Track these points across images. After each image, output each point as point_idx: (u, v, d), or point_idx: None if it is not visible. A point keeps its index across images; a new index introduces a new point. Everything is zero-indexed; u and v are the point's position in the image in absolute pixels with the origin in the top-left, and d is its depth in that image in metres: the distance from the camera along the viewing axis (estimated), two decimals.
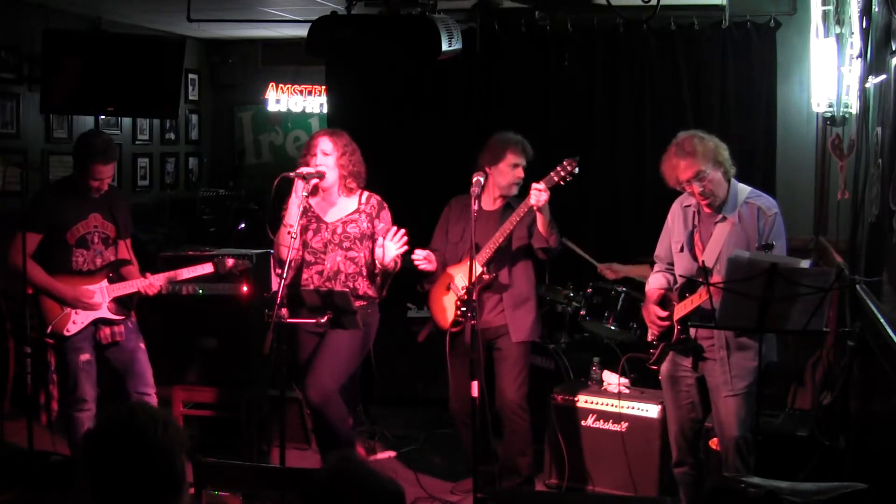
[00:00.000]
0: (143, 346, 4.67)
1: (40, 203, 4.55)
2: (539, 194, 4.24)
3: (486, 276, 4.45)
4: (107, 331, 4.54)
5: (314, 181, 4.33)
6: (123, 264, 4.63)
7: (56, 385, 4.65)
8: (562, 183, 4.30)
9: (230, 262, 4.63)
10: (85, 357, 4.47)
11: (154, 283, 4.55)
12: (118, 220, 4.61)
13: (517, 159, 4.55)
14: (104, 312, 4.51)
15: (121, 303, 4.57)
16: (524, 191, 4.67)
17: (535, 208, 4.28)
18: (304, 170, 4.33)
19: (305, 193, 4.27)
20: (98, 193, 4.49)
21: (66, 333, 4.43)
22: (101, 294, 4.50)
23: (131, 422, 2.02)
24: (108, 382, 4.77)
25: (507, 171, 4.55)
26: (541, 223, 4.39)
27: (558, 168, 4.30)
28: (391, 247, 4.26)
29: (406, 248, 4.32)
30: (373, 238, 4.44)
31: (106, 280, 4.53)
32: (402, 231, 4.29)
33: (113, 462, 1.99)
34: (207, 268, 4.62)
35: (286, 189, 4.39)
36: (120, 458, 1.99)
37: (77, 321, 4.45)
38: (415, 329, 6.07)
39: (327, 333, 4.33)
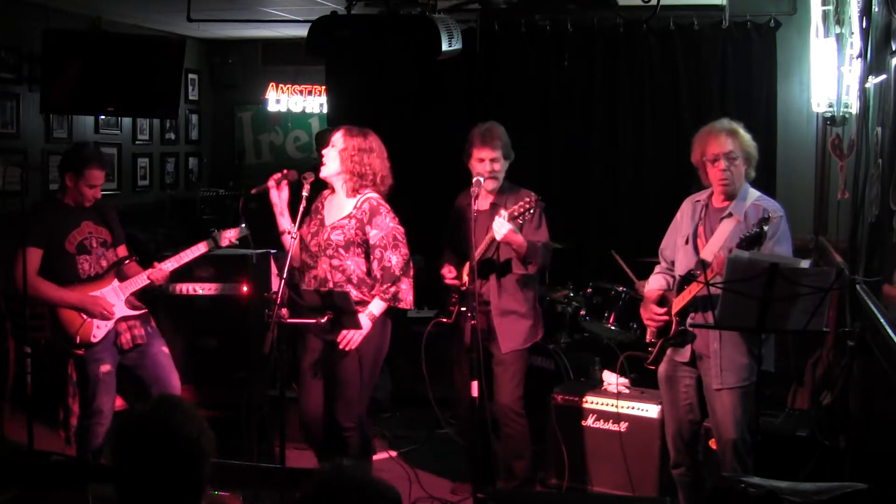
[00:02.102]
0: (165, 349, 4.66)
1: (35, 217, 4.53)
2: (499, 228, 4.17)
3: (462, 288, 4.39)
4: (128, 335, 4.53)
5: (288, 178, 4.22)
6: (127, 261, 4.66)
7: (75, 399, 4.62)
8: (519, 221, 4.23)
9: (225, 239, 4.61)
10: (105, 368, 4.45)
11: (163, 268, 4.55)
12: (112, 226, 4.63)
13: (481, 153, 4.42)
14: (123, 310, 4.52)
15: (136, 298, 4.59)
16: (520, 177, 4.64)
17: (497, 240, 4.25)
18: (272, 180, 4.24)
19: (308, 190, 4.16)
20: (91, 202, 4.50)
21: (94, 340, 4.42)
22: (116, 294, 4.51)
23: (172, 418, 2.00)
24: (136, 391, 4.76)
25: (476, 166, 4.45)
26: (515, 253, 4.35)
27: (515, 207, 4.18)
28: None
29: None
30: (364, 245, 4.22)
31: (116, 280, 4.55)
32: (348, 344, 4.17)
33: (147, 456, 1.97)
34: (202, 247, 4.59)
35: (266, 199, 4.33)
36: (154, 453, 1.97)
37: (101, 325, 4.45)
38: (415, 329, 6.08)
39: (339, 351, 4.21)
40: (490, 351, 4.55)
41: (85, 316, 4.42)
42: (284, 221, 4.28)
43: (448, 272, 4.50)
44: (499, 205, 4.44)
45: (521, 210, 4.14)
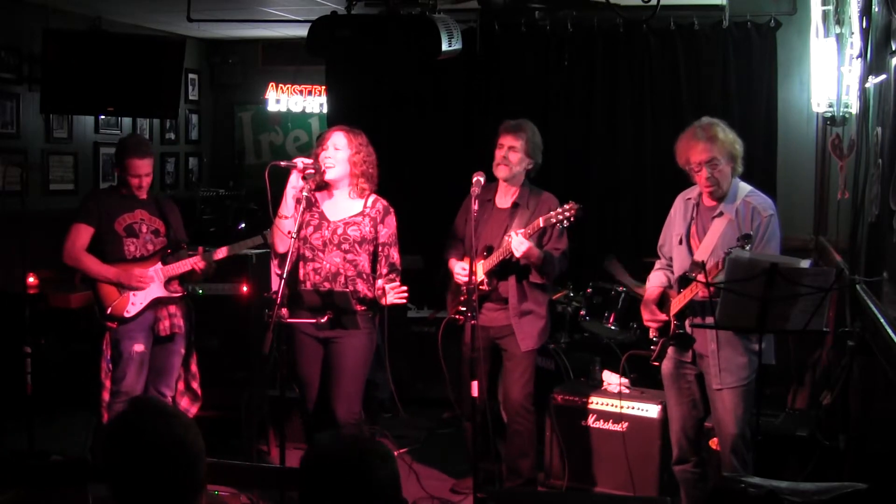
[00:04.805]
0: (182, 350, 4.74)
1: (90, 196, 4.71)
2: (518, 246, 4.21)
3: (483, 287, 4.40)
4: (166, 323, 4.61)
5: (309, 171, 4.14)
6: (177, 248, 4.71)
7: (108, 376, 4.66)
8: (559, 226, 4.26)
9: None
10: (138, 347, 4.53)
11: (207, 256, 4.61)
12: (169, 220, 4.72)
13: (503, 139, 4.53)
14: (159, 291, 4.57)
15: (176, 282, 4.65)
16: (540, 182, 4.67)
17: (514, 258, 4.28)
18: (300, 161, 4.17)
19: (310, 187, 4.14)
20: (139, 192, 4.60)
21: (127, 315, 4.51)
22: (156, 275, 4.58)
23: (150, 425, 1.98)
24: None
25: (496, 151, 4.55)
26: (532, 266, 4.40)
27: (553, 213, 4.21)
28: (391, 295, 4.12)
29: (405, 301, 4.22)
30: (375, 243, 4.28)
31: (160, 262, 4.61)
32: (404, 288, 4.16)
33: (131, 464, 1.96)
34: (258, 240, 4.65)
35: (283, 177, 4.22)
36: (138, 460, 1.96)
37: (136, 302, 4.53)
38: (415, 329, 6.09)
39: (335, 348, 4.24)
40: (502, 348, 4.57)
41: (122, 292, 4.50)
42: (289, 208, 4.19)
43: (461, 270, 4.51)
44: (520, 205, 4.49)
45: (566, 216, 4.17)
